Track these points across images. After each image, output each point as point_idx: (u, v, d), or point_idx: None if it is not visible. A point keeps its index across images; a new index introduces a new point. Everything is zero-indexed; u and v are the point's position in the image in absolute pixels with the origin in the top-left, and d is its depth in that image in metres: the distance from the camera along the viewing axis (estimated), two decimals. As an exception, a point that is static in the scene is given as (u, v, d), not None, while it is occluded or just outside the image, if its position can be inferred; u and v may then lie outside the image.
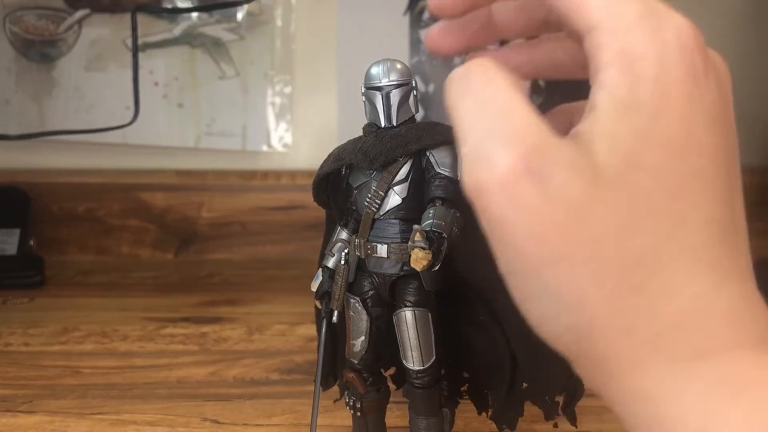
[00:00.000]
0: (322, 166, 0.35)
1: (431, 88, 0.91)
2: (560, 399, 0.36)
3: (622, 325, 0.22)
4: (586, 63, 0.31)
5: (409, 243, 0.30)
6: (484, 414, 0.39)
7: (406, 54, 0.90)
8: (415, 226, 0.31)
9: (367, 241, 0.34)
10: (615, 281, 0.22)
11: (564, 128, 0.33)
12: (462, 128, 0.23)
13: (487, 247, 0.23)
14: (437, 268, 0.30)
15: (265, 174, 0.89)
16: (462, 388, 0.39)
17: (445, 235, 0.31)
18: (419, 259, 0.30)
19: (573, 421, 0.36)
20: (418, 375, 0.35)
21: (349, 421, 0.35)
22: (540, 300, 0.23)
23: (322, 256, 0.37)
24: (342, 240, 0.35)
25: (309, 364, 0.55)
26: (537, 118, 0.23)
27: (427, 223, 0.31)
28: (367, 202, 0.34)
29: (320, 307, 0.36)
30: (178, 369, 0.56)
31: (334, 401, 0.39)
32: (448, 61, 0.90)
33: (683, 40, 0.23)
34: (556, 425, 0.37)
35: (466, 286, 0.35)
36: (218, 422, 0.47)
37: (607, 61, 0.23)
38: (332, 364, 0.39)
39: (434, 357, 0.35)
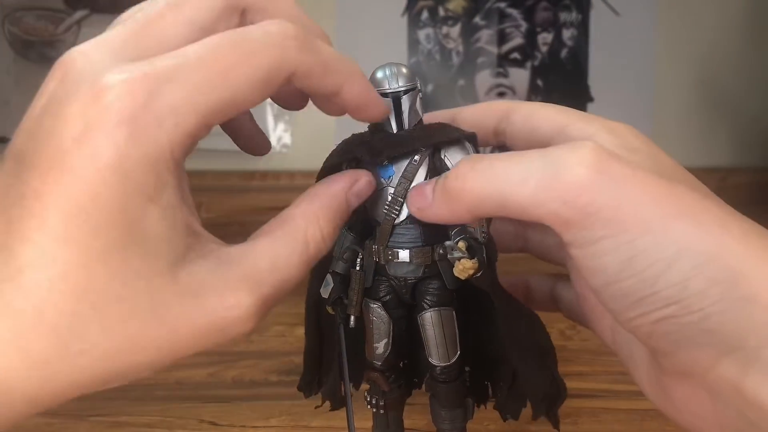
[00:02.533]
0: (327, 160, 0.34)
1: (429, 88, 0.91)
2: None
3: None
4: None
5: (453, 254, 0.30)
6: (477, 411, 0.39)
7: (404, 54, 0.90)
8: (448, 243, 0.31)
9: (387, 247, 0.34)
10: (736, 233, 0.24)
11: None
12: (516, 177, 0.26)
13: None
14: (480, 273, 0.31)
15: (264, 174, 0.89)
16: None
17: (480, 239, 0.31)
18: (466, 269, 0.30)
19: (556, 424, 0.36)
20: (444, 370, 0.35)
21: (344, 423, 0.35)
22: (676, 262, 0.23)
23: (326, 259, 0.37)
24: (354, 245, 0.35)
25: (308, 365, 0.55)
26: None
27: (459, 229, 0.31)
28: (386, 209, 0.33)
29: (332, 313, 0.35)
30: (176, 370, 0.55)
31: (315, 407, 0.39)
32: (447, 62, 0.90)
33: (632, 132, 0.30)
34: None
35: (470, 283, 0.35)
36: (216, 424, 0.47)
37: (593, 132, 0.29)
38: (317, 371, 0.39)
39: (459, 352, 0.35)
